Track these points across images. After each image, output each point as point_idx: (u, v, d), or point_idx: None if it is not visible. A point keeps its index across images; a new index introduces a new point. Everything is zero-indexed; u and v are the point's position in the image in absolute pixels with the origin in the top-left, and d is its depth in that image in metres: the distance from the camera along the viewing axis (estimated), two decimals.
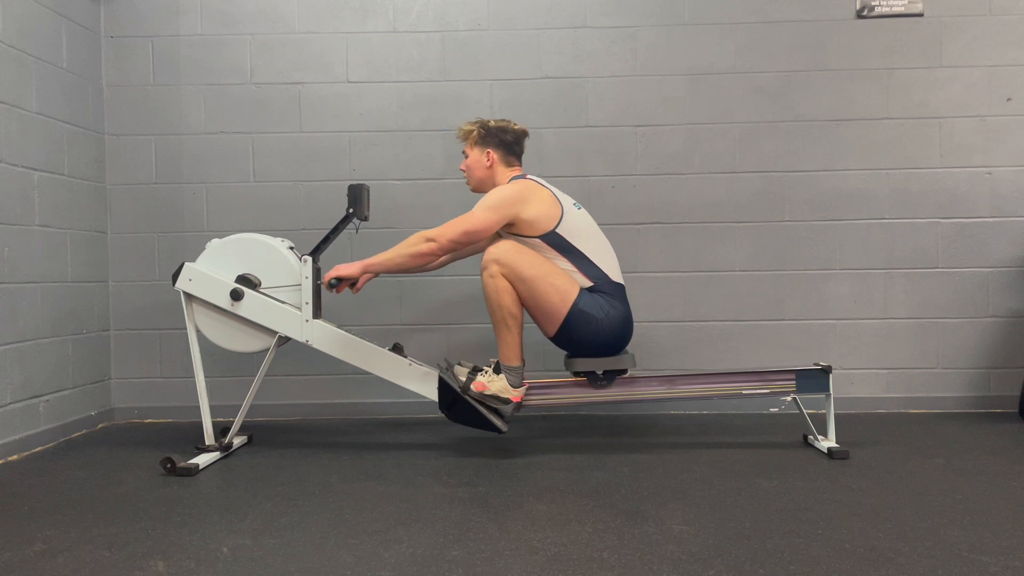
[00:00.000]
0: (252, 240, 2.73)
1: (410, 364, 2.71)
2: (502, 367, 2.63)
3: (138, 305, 3.43)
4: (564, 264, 2.64)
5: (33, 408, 2.89)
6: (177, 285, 2.68)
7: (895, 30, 3.38)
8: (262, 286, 2.70)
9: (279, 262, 2.71)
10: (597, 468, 2.48)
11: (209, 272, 2.68)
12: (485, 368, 2.68)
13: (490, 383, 2.61)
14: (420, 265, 2.73)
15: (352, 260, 3.36)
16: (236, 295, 2.64)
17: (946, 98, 3.38)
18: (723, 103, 3.41)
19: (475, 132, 2.79)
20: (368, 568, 1.66)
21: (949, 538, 1.80)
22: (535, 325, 2.72)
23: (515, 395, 2.61)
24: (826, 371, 2.68)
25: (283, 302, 2.68)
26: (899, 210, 3.39)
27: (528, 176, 2.76)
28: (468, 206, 3.40)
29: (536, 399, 2.71)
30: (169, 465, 2.45)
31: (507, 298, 2.58)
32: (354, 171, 3.43)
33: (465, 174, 2.85)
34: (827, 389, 2.68)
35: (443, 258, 2.90)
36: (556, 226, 2.63)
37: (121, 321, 3.43)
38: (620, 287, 2.70)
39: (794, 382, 2.69)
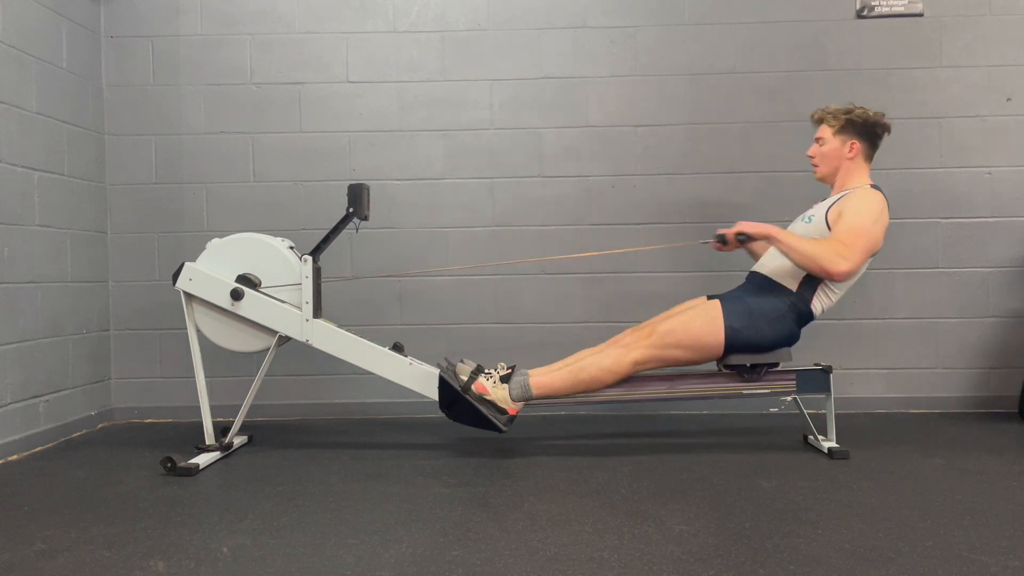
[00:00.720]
0: (252, 240, 2.73)
1: (410, 364, 2.71)
2: (518, 382, 2.61)
3: (138, 305, 3.43)
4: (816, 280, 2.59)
5: (33, 408, 2.89)
6: (177, 285, 2.68)
7: (895, 30, 3.38)
8: (262, 286, 2.70)
9: (279, 262, 2.71)
10: (597, 468, 2.48)
11: (209, 272, 2.68)
12: (492, 371, 2.67)
13: (492, 389, 2.60)
14: (810, 272, 2.54)
15: (352, 260, 3.39)
16: (236, 295, 2.64)
17: (946, 98, 3.38)
18: (723, 103, 3.40)
19: (844, 119, 2.64)
20: (368, 568, 1.66)
21: (949, 538, 1.80)
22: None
23: (512, 408, 2.61)
24: (826, 371, 2.68)
25: (283, 302, 2.68)
26: (899, 210, 3.39)
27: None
28: (468, 205, 3.42)
29: (535, 399, 2.70)
30: (169, 465, 2.45)
31: (608, 381, 2.59)
32: (354, 171, 3.43)
33: (814, 160, 2.72)
34: (827, 389, 2.68)
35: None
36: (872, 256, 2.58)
37: (121, 321, 3.43)
38: (808, 315, 2.62)
39: (794, 382, 2.69)
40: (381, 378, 2.74)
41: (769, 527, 1.88)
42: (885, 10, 3.37)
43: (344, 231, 2.77)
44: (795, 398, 2.71)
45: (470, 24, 3.42)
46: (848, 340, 3.41)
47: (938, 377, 3.41)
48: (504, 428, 2.61)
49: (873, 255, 2.59)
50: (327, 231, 2.75)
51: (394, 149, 3.43)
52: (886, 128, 2.70)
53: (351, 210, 2.70)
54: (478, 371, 2.69)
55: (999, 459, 2.55)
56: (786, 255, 2.57)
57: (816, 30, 3.39)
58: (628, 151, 3.42)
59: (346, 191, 2.74)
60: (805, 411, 2.72)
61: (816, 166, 2.74)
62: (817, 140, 2.73)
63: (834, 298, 2.65)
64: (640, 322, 3.35)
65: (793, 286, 2.62)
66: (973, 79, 3.37)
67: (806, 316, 2.64)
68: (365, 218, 2.75)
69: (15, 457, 2.75)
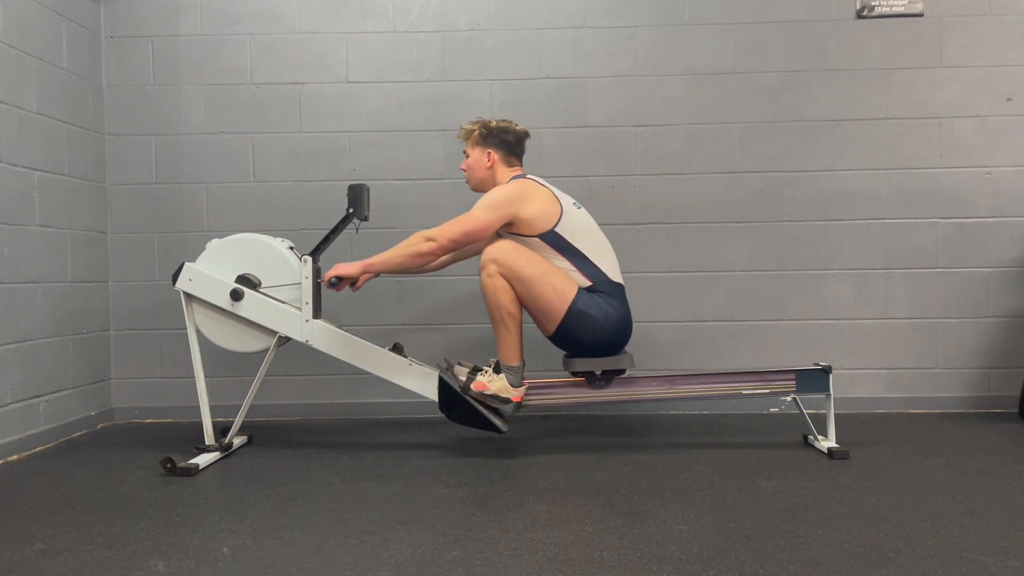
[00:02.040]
0: (252, 240, 2.73)
1: (410, 364, 2.71)
2: (502, 367, 2.63)
3: (138, 305, 3.43)
4: (563, 263, 2.64)
5: (33, 408, 2.89)
6: (177, 285, 2.68)
7: (895, 30, 3.38)
8: (262, 286, 2.70)
9: (279, 262, 2.71)
10: (597, 468, 2.48)
11: (209, 272, 2.68)
12: (485, 368, 2.68)
13: (490, 383, 2.61)
14: (420, 265, 2.72)
15: (352, 260, 3.37)
16: (236, 295, 2.64)
17: (946, 98, 3.38)
18: (723, 103, 3.41)
19: (476, 132, 2.80)
20: (368, 568, 1.66)
21: (949, 538, 1.80)
22: (534, 325, 2.72)
23: (515, 395, 2.61)
24: (826, 371, 2.68)
25: (283, 302, 2.68)
26: (899, 210, 3.39)
27: (528, 176, 2.76)
28: (468, 206, 3.40)
29: (536, 399, 2.71)
30: (169, 465, 2.45)
31: (505, 297, 2.58)
32: (354, 171, 3.43)
33: (466, 174, 2.85)
34: (827, 389, 2.68)
35: (443, 258, 2.90)
36: (555, 225, 2.64)
37: (121, 321, 3.43)
38: (620, 287, 2.70)
39: (794, 382, 2.69)
40: (381, 378, 2.74)
41: (769, 527, 1.88)
42: (885, 10, 3.37)
43: (344, 231, 2.77)
44: (795, 398, 2.71)
45: (470, 24, 3.42)
46: (848, 340, 3.41)
47: (938, 377, 3.41)
48: (504, 429, 2.61)
49: (521, 228, 2.63)
50: (327, 231, 2.75)
51: (394, 149, 3.43)
52: (517, 134, 2.82)
53: (351, 210, 2.71)
54: (475, 371, 2.70)
55: (999, 459, 2.55)
56: (394, 269, 2.69)
57: (816, 30, 3.39)
58: (628, 151, 3.42)
59: (346, 191, 2.74)
60: (805, 411, 2.72)
61: (466, 179, 2.86)
62: (464, 154, 2.85)
63: (607, 256, 2.70)
64: (640, 322, 3.36)
65: (584, 280, 2.64)
66: (973, 79, 3.37)
67: (617, 287, 2.68)
68: (365, 218, 2.75)
69: (15, 457, 2.75)
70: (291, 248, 2.81)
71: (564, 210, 2.67)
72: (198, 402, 2.68)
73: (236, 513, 2.06)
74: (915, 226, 3.39)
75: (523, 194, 2.65)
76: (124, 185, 3.43)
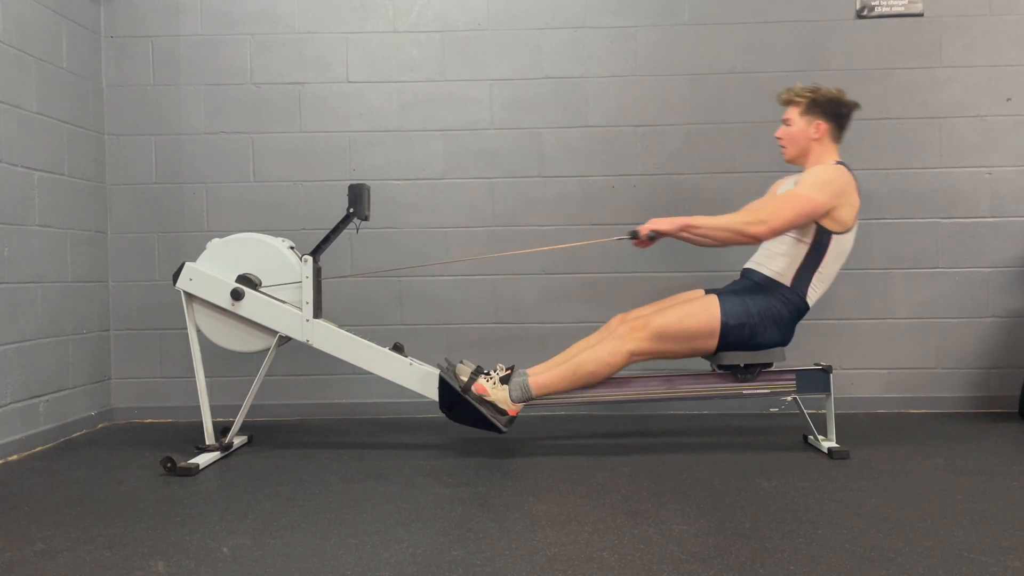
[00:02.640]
0: (252, 240, 2.73)
1: (411, 364, 2.71)
2: (517, 383, 2.61)
3: (138, 305, 3.43)
4: (799, 252, 2.58)
5: (33, 408, 2.89)
6: (178, 285, 2.68)
7: (895, 30, 3.38)
8: (262, 286, 2.70)
9: (280, 262, 2.71)
10: (597, 468, 2.48)
11: (210, 272, 2.68)
12: (492, 372, 2.67)
13: (492, 390, 2.60)
14: (737, 243, 2.58)
15: (352, 260, 3.38)
16: (237, 295, 2.64)
17: (946, 98, 3.38)
18: (723, 103, 3.40)
19: (808, 99, 2.63)
20: (368, 568, 1.66)
21: (949, 538, 1.80)
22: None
23: (512, 409, 2.61)
24: (826, 371, 2.68)
25: (284, 302, 2.68)
26: (899, 210, 3.39)
27: (852, 170, 2.64)
28: (468, 205, 3.42)
29: (536, 399, 2.70)
30: (169, 465, 2.45)
31: (606, 373, 2.59)
32: (354, 171, 3.43)
33: (782, 142, 2.70)
34: (827, 389, 2.68)
35: None
36: (840, 233, 2.57)
37: (121, 321, 3.43)
38: (804, 308, 2.63)
39: (794, 382, 2.69)
40: (381, 378, 2.74)
41: (769, 527, 1.88)
42: (885, 10, 3.37)
43: (344, 231, 2.77)
44: (795, 398, 2.71)
45: (470, 24, 3.42)
46: (848, 340, 3.41)
47: (938, 377, 3.41)
48: (504, 429, 2.61)
49: (822, 220, 2.56)
50: (327, 231, 2.75)
51: (394, 149, 3.43)
52: (851, 106, 2.69)
53: (351, 210, 2.70)
54: (478, 372, 2.69)
55: (999, 459, 2.55)
56: (710, 238, 2.57)
57: (816, 30, 3.39)
58: (628, 151, 3.42)
59: (346, 191, 2.74)
60: (805, 411, 2.72)
61: (784, 147, 2.73)
62: (784, 121, 2.72)
63: (827, 283, 2.65)
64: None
65: (788, 280, 2.62)
66: (973, 79, 3.37)
67: (802, 309, 2.64)
68: (365, 218, 2.75)
69: (15, 457, 2.75)
70: (291, 248, 2.81)
71: (854, 227, 2.61)
72: (198, 402, 2.68)
73: (236, 513, 2.06)
74: (915, 226, 3.39)
75: (851, 189, 2.56)
76: (124, 185, 3.43)
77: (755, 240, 2.55)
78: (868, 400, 3.40)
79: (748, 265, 2.78)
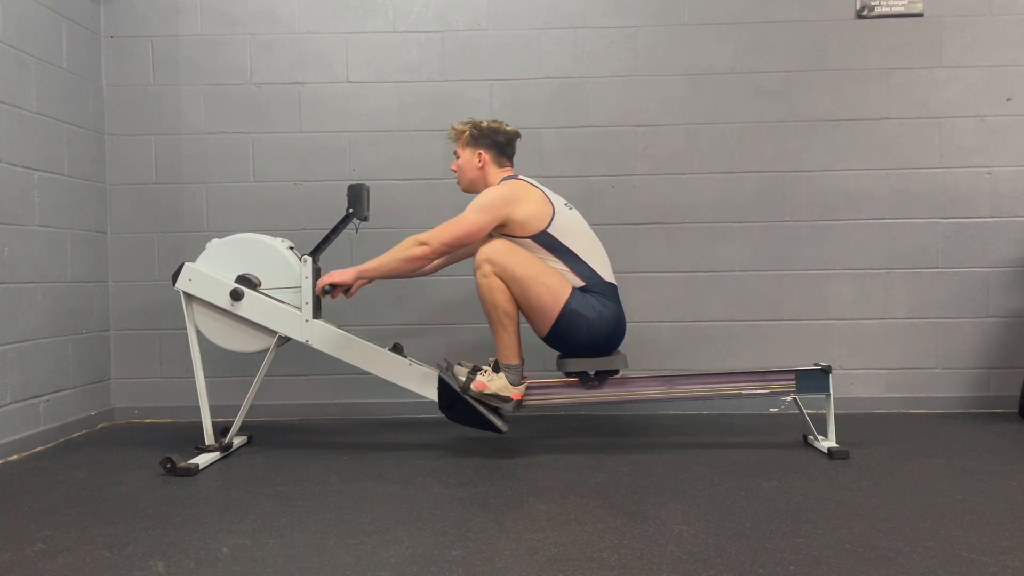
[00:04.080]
0: (252, 240, 2.73)
1: (410, 364, 2.71)
2: (501, 365, 2.63)
3: (138, 305, 3.43)
4: (556, 264, 2.64)
5: (33, 408, 2.89)
6: (177, 285, 2.68)
7: (895, 30, 3.38)
8: (262, 286, 2.70)
9: (279, 262, 2.71)
10: (597, 468, 2.48)
11: (209, 272, 2.68)
12: (484, 367, 2.68)
13: (490, 382, 2.61)
14: (413, 269, 2.71)
15: (352, 260, 3.38)
16: (236, 295, 2.64)
17: (946, 98, 3.38)
18: (723, 103, 3.40)
19: (467, 132, 2.78)
20: (368, 568, 1.66)
21: (949, 538, 1.80)
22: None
23: (515, 393, 2.62)
24: (826, 371, 2.68)
25: (283, 302, 2.68)
26: (899, 210, 3.39)
27: (519, 176, 2.77)
28: (466, 206, 3.41)
29: (536, 399, 2.71)
30: (169, 465, 2.45)
31: (501, 297, 2.58)
32: (354, 171, 3.43)
33: (456, 174, 2.85)
34: (827, 389, 2.68)
35: (437, 262, 2.90)
36: (547, 226, 2.64)
37: (121, 321, 3.43)
38: (612, 287, 2.71)
39: (794, 382, 2.69)
40: (381, 378, 2.74)
41: (769, 527, 1.88)
42: (885, 10, 3.37)
43: (344, 231, 2.77)
44: (795, 398, 2.70)
45: (470, 24, 3.42)
46: (848, 340, 3.41)
47: (938, 377, 3.41)
48: (504, 429, 2.61)
49: (515, 231, 2.62)
50: (327, 231, 2.75)
51: (394, 149, 3.43)
52: (508, 135, 2.80)
53: (351, 210, 2.71)
54: (475, 370, 2.69)
55: (999, 459, 2.55)
56: (388, 274, 2.69)
57: (816, 30, 3.39)
58: (628, 151, 3.42)
59: (346, 191, 2.74)
60: (805, 411, 2.72)
61: (458, 180, 2.85)
62: (455, 155, 2.83)
63: (596, 252, 2.70)
64: (640, 322, 3.36)
65: (577, 282, 2.64)
66: (973, 79, 3.37)
67: (608, 287, 2.67)
68: (365, 218, 2.75)
69: (15, 457, 2.75)
70: (291, 248, 2.81)
71: (556, 211, 2.67)
72: (198, 402, 2.68)
73: (236, 513, 2.06)
74: (915, 226, 3.39)
75: (515, 195, 2.65)
76: (124, 185, 3.43)
77: (427, 260, 2.65)
78: (868, 400, 3.40)
79: None
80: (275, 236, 2.85)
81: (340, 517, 2.01)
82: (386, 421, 3.33)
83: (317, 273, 2.71)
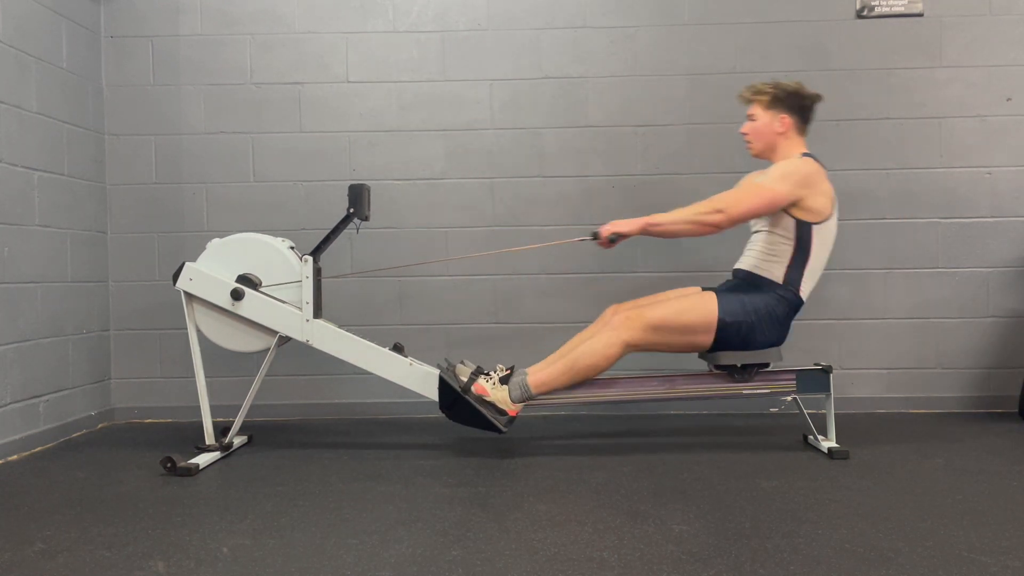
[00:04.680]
0: (253, 240, 2.73)
1: (411, 364, 2.71)
2: (516, 383, 2.61)
3: (138, 305, 3.43)
4: (785, 248, 2.59)
5: (33, 408, 2.89)
6: (178, 285, 2.68)
7: (895, 30, 3.38)
8: (263, 286, 2.70)
9: (280, 262, 2.71)
10: (597, 468, 2.48)
11: (210, 272, 2.68)
12: (492, 373, 2.67)
13: (492, 390, 2.60)
14: (703, 234, 2.59)
15: (352, 261, 3.38)
16: (237, 295, 2.64)
17: (946, 98, 3.38)
18: (723, 103, 3.40)
19: (770, 94, 2.65)
20: (368, 568, 1.66)
21: (949, 538, 1.80)
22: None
23: (512, 409, 2.61)
24: (826, 371, 2.68)
25: (283, 302, 2.68)
26: (899, 210, 3.39)
27: (819, 161, 2.66)
28: (469, 205, 3.42)
29: (536, 399, 2.70)
30: (169, 465, 2.45)
31: (604, 366, 2.57)
32: (354, 171, 3.43)
33: (748, 137, 2.73)
34: (827, 389, 2.68)
35: None
36: (819, 222, 2.58)
37: (121, 321, 3.43)
38: (799, 303, 2.64)
39: (794, 382, 2.69)
40: (381, 378, 2.74)
41: (769, 527, 1.88)
42: (885, 10, 3.37)
43: (344, 231, 2.77)
44: (795, 398, 2.70)
45: (470, 24, 3.42)
46: (848, 340, 3.41)
47: (938, 377, 3.41)
48: (504, 429, 2.61)
49: (795, 212, 2.58)
50: (327, 231, 2.75)
51: (394, 149, 3.43)
52: (813, 98, 2.71)
53: (351, 210, 2.70)
54: (478, 372, 2.69)
55: (999, 459, 2.55)
56: (673, 232, 2.61)
57: (816, 30, 3.39)
58: (628, 151, 3.42)
59: (346, 191, 2.74)
60: (805, 411, 2.72)
61: (750, 143, 2.75)
62: (749, 117, 2.74)
63: (817, 275, 2.67)
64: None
65: (779, 278, 2.63)
66: (973, 79, 3.37)
67: (797, 305, 2.65)
68: (365, 218, 2.75)
69: (15, 457, 2.75)
70: (291, 248, 2.81)
71: (833, 214, 2.62)
72: (198, 402, 2.68)
73: (236, 513, 2.06)
74: (915, 226, 3.39)
75: (819, 178, 2.57)
76: (124, 185, 3.43)
77: (717, 228, 2.57)
78: (868, 400, 3.40)
79: (738, 266, 2.78)
80: (275, 236, 2.85)
81: (340, 517, 2.01)
82: (386, 421, 3.33)
83: (318, 273, 2.71)
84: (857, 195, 3.38)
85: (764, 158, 2.75)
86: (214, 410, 2.74)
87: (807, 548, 1.74)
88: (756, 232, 2.75)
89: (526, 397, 2.61)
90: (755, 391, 2.69)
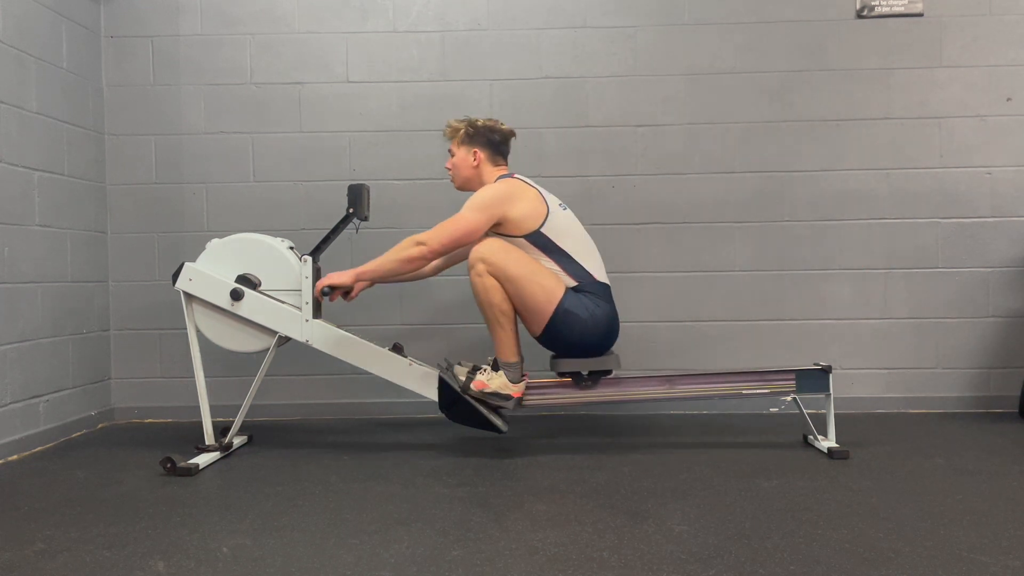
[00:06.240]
0: (252, 240, 2.73)
1: (410, 364, 2.71)
2: (500, 364, 2.63)
3: (138, 305, 3.43)
4: (549, 264, 2.64)
5: (33, 408, 2.89)
6: (177, 285, 2.68)
7: (895, 30, 3.38)
8: (262, 286, 2.70)
9: (279, 262, 2.71)
10: (597, 468, 2.48)
11: (209, 272, 2.68)
12: (484, 366, 2.68)
13: (489, 381, 2.61)
14: (412, 270, 2.69)
15: (352, 261, 3.38)
16: (236, 295, 2.64)
17: (946, 98, 3.38)
18: (723, 103, 3.40)
19: (463, 131, 2.78)
20: (368, 568, 1.66)
21: (949, 538, 1.80)
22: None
23: (515, 390, 2.62)
24: (826, 371, 2.68)
25: (283, 302, 2.68)
26: (899, 210, 3.39)
27: (515, 175, 2.76)
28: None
29: (536, 399, 2.71)
30: (169, 465, 2.45)
31: (496, 295, 2.58)
32: (354, 171, 3.43)
33: (451, 172, 2.84)
34: (827, 389, 2.68)
35: (435, 263, 2.91)
36: (541, 225, 2.63)
37: (121, 321, 3.43)
38: (605, 287, 2.71)
39: (794, 382, 2.69)
40: (381, 378, 2.74)
41: (769, 527, 1.88)
42: (885, 10, 3.37)
43: (344, 231, 2.77)
44: (795, 398, 2.70)
45: (470, 24, 3.42)
46: (848, 340, 3.41)
47: (938, 377, 3.41)
48: (503, 428, 2.61)
49: (509, 230, 2.62)
50: (327, 231, 2.75)
51: (394, 149, 3.43)
52: (503, 133, 2.80)
53: (351, 210, 2.71)
54: (475, 370, 2.69)
55: (999, 459, 2.55)
56: (384, 276, 2.68)
57: (816, 30, 3.39)
58: (628, 151, 3.42)
59: (346, 191, 2.74)
60: (805, 411, 2.72)
61: (452, 177, 2.84)
62: (449, 153, 2.82)
63: (590, 252, 2.71)
64: (640, 322, 3.36)
65: (570, 282, 2.63)
66: (973, 79, 3.37)
67: (602, 287, 2.67)
68: (365, 218, 2.75)
69: (15, 457, 2.75)
70: (291, 248, 2.81)
71: (550, 210, 2.67)
72: (198, 402, 2.68)
73: (236, 513, 2.06)
74: (915, 226, 3.39)
75: (511, 194, 2.65)
76: (124, 185, 3.43)
77: (423, 261, 2.63)
78: (868, 400, 3.40)
79: None
80: (275, 236, 2.85)
81: (340, 517, 2.01)
82: (386, 421, 3.33)
83: (317, 273, 2.71)
84: (857, 195, 3.39)
85: (466, 190, 2.82)
86: (214, 410, 2.74)
87: (807, 548, 1.74)
88: None
89: (518, 371, 2.62)
90: (755, 391, 2.69)
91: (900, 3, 3.36)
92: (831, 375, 2.68)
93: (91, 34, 3.34)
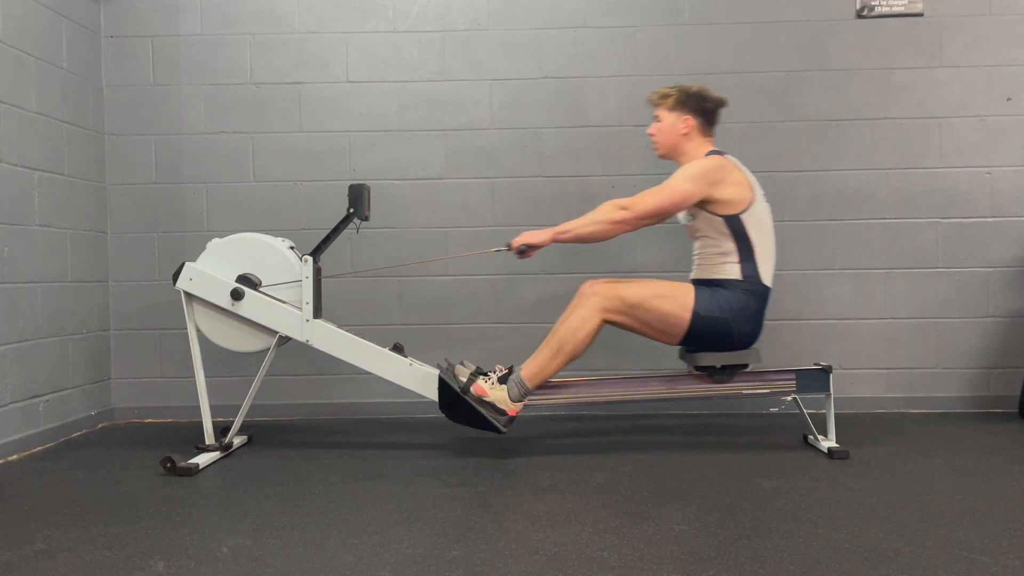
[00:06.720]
0: (253, 240, 2.73)
1: (410, 364, 2.71)
2: (515, 380, 2.62)
3: (138, 305, 3.43)
4: (728, 246, 2.62)
5: (33, 408, 2.89)
6: (178, 285, 2.68)
7: (895, 30, 3.38)
8: (262, 286, 2.70)
9: (280, 262, 2.71)
10: (597, 468, 2.48)
11: (210, 272, 2.68)
12: (490, 373, 2.67)
13: (491, 390, 2.60)
14: (611, 236, 2.63)
15: (352, 260, 3.38)
16: (236, 295, 2.64)
17: (946, 98, 3.38)
18: None
19: (674, 96, 2.72)
20: (368, 568, 1.66)
21: (949, 538, 1.80)
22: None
23: (512, 409, 2.61)
24: (826, 371, 2.68)
25: (283, 302, 2.68)
26: (899, 210, 3.39)
27: (725, 154, 2.71)
28: (470, 205, 3.42)
29: (536, 399, 2.70)
30: (169, 465, 2.45)
31: (581, 334, 2.57)
32: (354, 171, 3.43)
33: (654, 138, 2.78)
34: (827, 389, 2.68)
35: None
36: (743, 211, 2.60)
37: (121, 321, 3.43)
38: (766, 290, 2.66)
39: (794, 382, 2.69)
40: (381, 378, 2.74)
41: (769, 527, 1.88)
42: (885, 10, 3.37)
43: (344, 231, 2.77)
44: (795, 398, 2.71)
45: (470, 24, 3.42)
46: (848, 340, 3.41)
47: (938, 377, 3.41)
48: (504, 429, 2.61)
49: (713, 208, 2.62)
50: (327, 231, 2.75)
51: (394, 149, 3.43)
52: (716, 101, 2.75)
53: (351, 210, 2.71)
54: (477, 373, 2.69)
55: (999, 459, 2.55)
56: (583, 238, 2.64)
57: (816, 30, 3.39)
58: (628, 151, 3.42)
59: (346, 191, 2.74)
60: (805, 411, 2.72)
61: (656, 144, 2.80)
62: (655, 118, 2.78)
63: (770, 256, 2.67)
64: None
65: (737, 274, 2.63)
66: (973, 79, 3.37)
67: (764, 292, 2.65)
68: (365, 218, 2.75)
69: (15, 457, 2.75)
70: (291, 248, 2.81)
71: (755, 198, 2.64)
72: (198, 402, 2.68)
73: (236, 513, 2.06)
74: (915, 226, 3.39)
75: (727, 172, 2.61)
76: (124, 185, 3.43)
77: (625, 226, 2.60)
78: (868, 400, 3.40)
79: (693, 276, 2.78)
80: (275, 236, 2.85)
81: (340, 517, 2.01)
82: (386, 421, 3.33)
83: (318, 273, 2.71)
84: (857, 195, 3.39)
85: (670, 159, 2.79)
86: (214, 410, 2.74)
87: (807, 548, 1.74)
88: (695, 240, 2.77)
89: (524, 393, 2.62)
90: (755, 391, 2.69)
91: (900, 3, 3.36)
92: (831, 375, 2.68)
93: (91, 34, 3.34)
